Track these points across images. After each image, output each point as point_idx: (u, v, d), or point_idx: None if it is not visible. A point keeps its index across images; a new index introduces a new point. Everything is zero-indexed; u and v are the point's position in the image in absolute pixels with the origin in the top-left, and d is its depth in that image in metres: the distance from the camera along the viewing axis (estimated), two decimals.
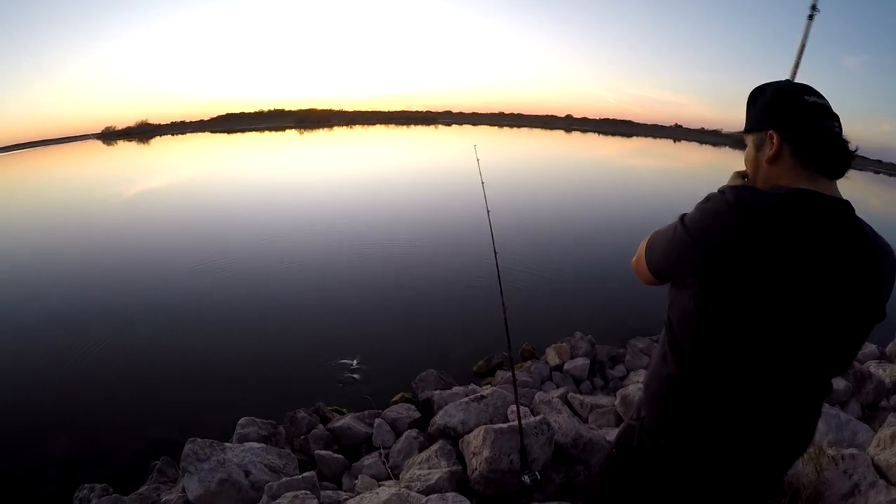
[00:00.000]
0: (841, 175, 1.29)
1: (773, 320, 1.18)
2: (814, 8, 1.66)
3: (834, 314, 1.20)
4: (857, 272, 1.19)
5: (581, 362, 6.71)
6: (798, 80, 1.59)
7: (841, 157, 1.27)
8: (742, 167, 1.54)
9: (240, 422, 4.79)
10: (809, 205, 1.20)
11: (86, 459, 5.13)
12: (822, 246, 1.16)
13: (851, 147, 1.28)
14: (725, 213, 1.18)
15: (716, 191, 1.28)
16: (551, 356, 7.01)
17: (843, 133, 1.28)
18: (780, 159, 1.31)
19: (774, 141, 1.31)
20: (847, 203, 1.26)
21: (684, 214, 1.31)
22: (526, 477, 3.29)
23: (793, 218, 1.16)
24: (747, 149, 1.42)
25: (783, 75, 1.33)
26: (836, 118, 1.28)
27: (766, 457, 1.34)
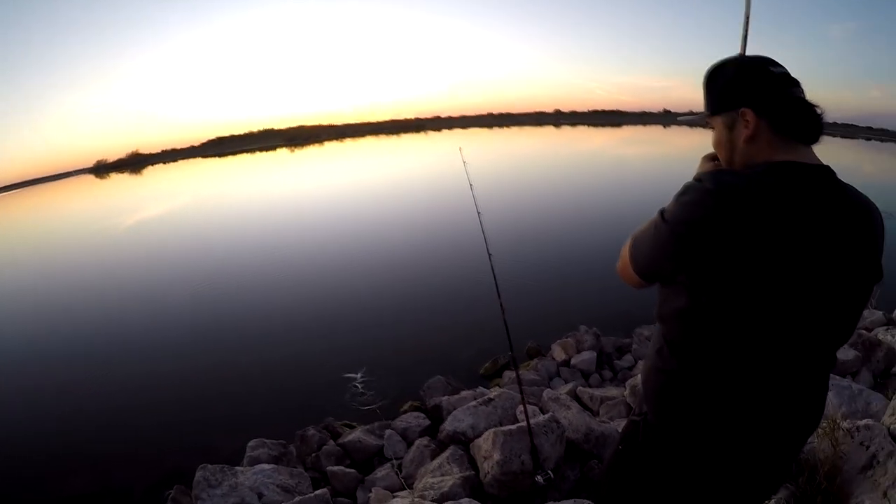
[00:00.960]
0: (817, 140, 1.27)
1: (773, 299, 1.15)
2: None
3: (833, 281, 1.18)
4: (849, 235, 1.18)
5: (588, 356, 6.70)
6: (752, 52, 1.56)
7: (815, 121, 1.25)
8: (711, 150, 1.50)
9: (249, 444, 4.78)
10: (791, 176, 1.18)
11: (101, 494, 5.11)
12: (811, 215, 1.14)
13: (819, 111, 1.26)
14: (707, 201, 1.15)
15: (692, 180, 1.25)
16: (557, 352, 6.99)
17: (809, 97, 1.26)
18: (758, 136, 1.28)
19: (749, 118, 1.27)
20: (828, 168, 1.24)
21: (663, 210, 1.27)
22: (539, 477, 3.28)
23: (777, 193, 1.14)
24: (716, 132, 1.38)
25: (767, 46, 1.29)
26: (799, 84, 1.26)
27: (778, 439, 1.33)
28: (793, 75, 1.27)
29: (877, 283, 1.27)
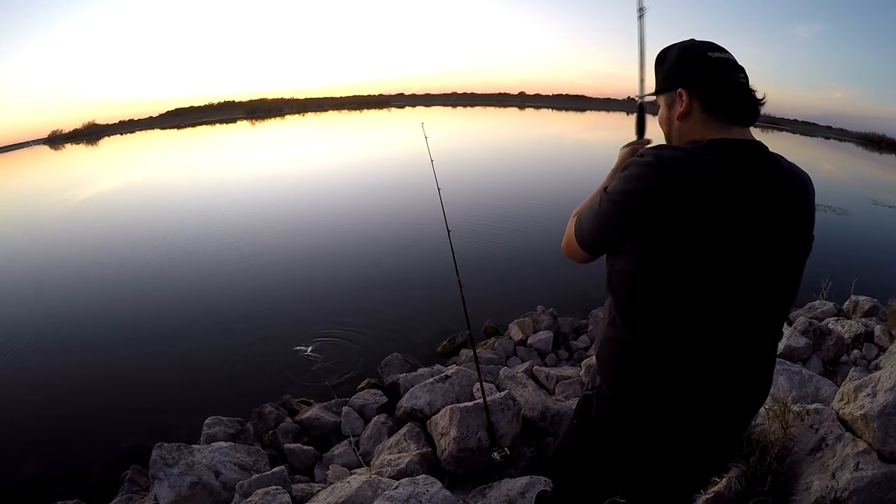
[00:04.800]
0: (752, 122, 1.35)
1: (717, 265, 1.21)
2: (641, 8, 1.74)
3: (773, 247, 1.25)
4: (784, 203, 1.24)
5: (544, 335, 6.77)
6: (647, 76, 1.71)
7: (749, 104, 1.33)
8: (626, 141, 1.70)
9: (206, 422, 4.73)
10: (727, 149, 1.24)
11: (57, 476, 5.00)
12: (748, 184, 1.20)
13: (759, 95, 1.33)
14: (649, 173, 1.21)
15: (633, 157, 1.31)
16: (514, 331, 7.07)
17: (750, 83, 1.34)
18: (690, 115, 1.36)
19: (684, 98, 1.36)
20: (760, 143, 1.31)
21: (607, 186, 1.34)
22: (496, 454, 3.33)
23: (714, 163, 1.20)
24: (660, 109, 1.47)
25: (731, 46, 1.37)
26: (740, 70, 1.33)
27: (728, 409, 1.36)
28: (736, 62, 1.34)
29: (810, 243, 1.34)
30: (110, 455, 5.17)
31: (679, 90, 1.37)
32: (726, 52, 1.34)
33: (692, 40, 1.39)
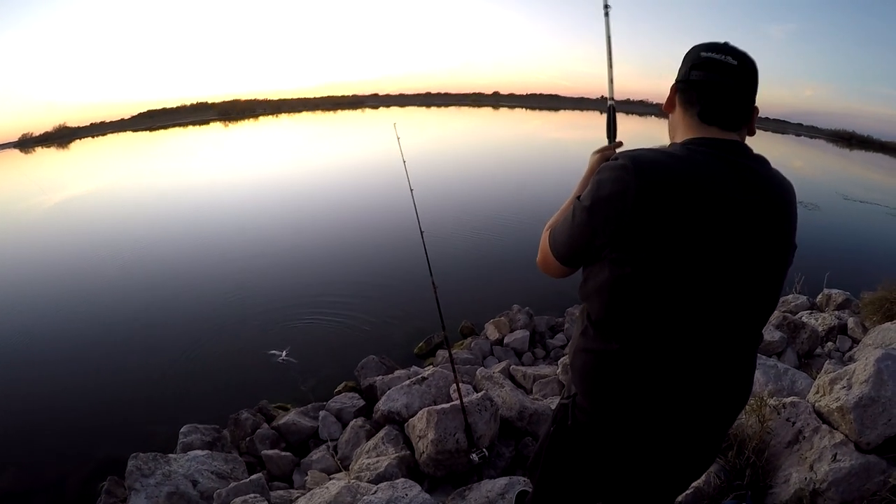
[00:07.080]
0: (730, 125, 1.30)
1: (693, 270, 1.17)
2: (606, 6, 1.73)
3: (751, 252, 1.21)
4: (763, 208, 1.20)
5: (521, 335, 6.79)
6: (616, 72, 1.69)
7: (728, 108, 1.28)
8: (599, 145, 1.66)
9: (182, 430, 4.67)
10: (704, 150, 1.22)
11: (32, 489, 4.92)
12: (725, 186, 1.17)
13: (750, 102, 1.30)
14: (623, 177, 1.18)
15: (608, 161, 1.28)
16: (490, 331, 7.08)
17: (742, 87, 1.29)
18: (672, 109, 1.38)
19: (672, 93, 1.38)
20: (743, 144, 1.28)
21: (580, 195, 1.31)
22: (474, 455, 3.30)
23: (690, 163, 1.18)
24: None
25: (702, 38, 1.35)
26: (731, 73, 1.27)
27: (707, 415, 1.34)
28: (731, 65, 1.27)
29: (791, 253, 1.31)
30: (86, 466, 5.06)
31: (672, 85, 1.38)
32: (729, 54, 1.27)
33: (712, 42, 1.33)
